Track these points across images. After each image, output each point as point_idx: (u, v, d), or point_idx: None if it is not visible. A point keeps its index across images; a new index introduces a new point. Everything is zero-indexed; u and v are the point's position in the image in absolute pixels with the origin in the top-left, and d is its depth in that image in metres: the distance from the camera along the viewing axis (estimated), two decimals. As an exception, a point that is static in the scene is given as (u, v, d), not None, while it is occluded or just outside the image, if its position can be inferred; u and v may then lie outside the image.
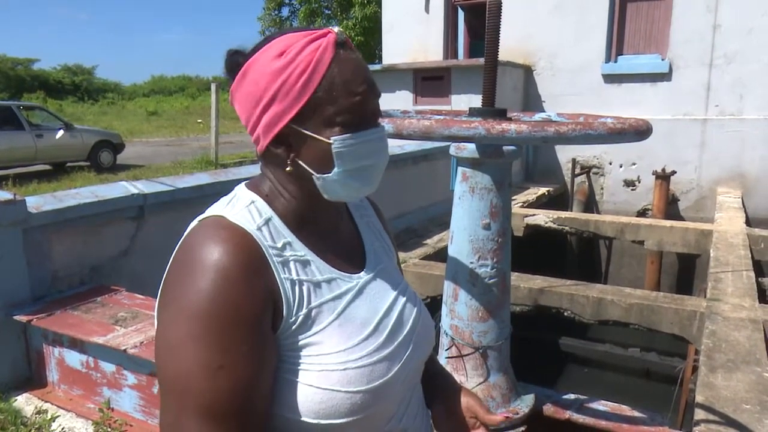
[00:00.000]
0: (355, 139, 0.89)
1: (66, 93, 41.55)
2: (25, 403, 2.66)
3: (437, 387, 1.16)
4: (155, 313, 0.85)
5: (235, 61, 0.92)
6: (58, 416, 2.56)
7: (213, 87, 13.00)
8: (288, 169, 0.91)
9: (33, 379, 2.83)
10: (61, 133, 13.83)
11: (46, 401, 2.67)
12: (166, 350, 0.80)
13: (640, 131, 1.62)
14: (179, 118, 31.55)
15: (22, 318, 2.72)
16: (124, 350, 2.40)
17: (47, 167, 14.07)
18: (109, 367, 2.55)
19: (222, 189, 3.72)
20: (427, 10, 10.41)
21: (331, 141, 0.88)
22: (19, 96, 32.83)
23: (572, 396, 2.58)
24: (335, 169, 0.90)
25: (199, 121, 28.09)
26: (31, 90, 37.11)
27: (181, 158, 14.61)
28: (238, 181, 3.40)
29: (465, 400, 1.11)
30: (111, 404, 2.56)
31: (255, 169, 4.44)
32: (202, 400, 0.77)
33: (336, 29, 0.90)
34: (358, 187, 0.94)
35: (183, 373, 0.77)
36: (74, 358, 2.65)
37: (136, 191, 3.33)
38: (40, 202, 2.93)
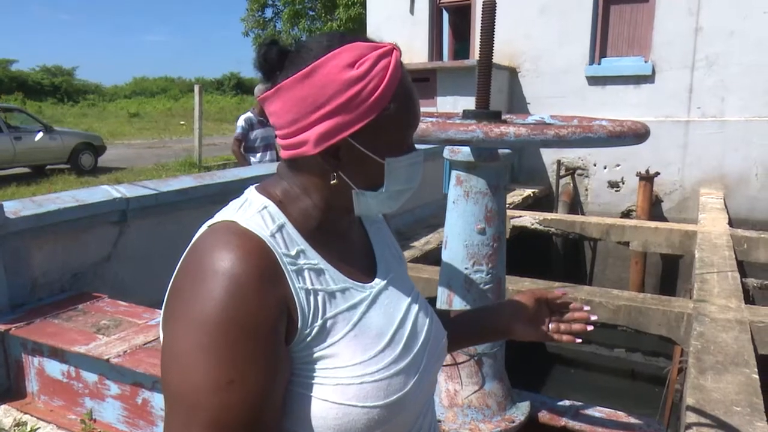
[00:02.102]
0: (405, 162, 0.91)
1: (45, 94, 41.02)
2: (4, 415, 2.59)
3: (484, 317, 1.27)
4: (160, 321, 0.82)
5: (274, 53, 0.87)
6: (38, 428, 2.49)
7: (196, 89, 12.92)
8: (334, 182, 0.89)
9: (12, 390, 2.75)
10: (40, 135, 13.64)
11: (25, 413, 2.59)
12: (174, 361, 0.76)
13: (639, 134, 1.60)
14: (161, 120, 31.33)
15: (0, 327, 2.64)
16: (107, 359, 2.34)
17: (26, 170, 13.89)
18: (91, 377, 2.48)
19: (207, 192, 3.69)
20: (411, 11, 10.39)
21: (385, 161, 0.88)
22: (-4, 98, 32.37)
23: (567, 402, 2.55)
24: (382, 189, 0.90)
25: (182, 122, 27.94)
26: (9, 91, 36.55)
27: (164, 161, 14.52)
28: (223, 184, 3.34)
29: (525, 295, 1.21)
30: (93, 415, 2.50)
31: (240, 172, 4.38)
32: (212, 415, 0.73)
33: (397, 46, 0.88)
34: (390, 206, 0.95)
35: (192, 387, 0.73)
36: (55, 368, 2.58)
37: (118, 195, 3.26)
38: (18, 207, 2.85)
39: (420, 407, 0.96)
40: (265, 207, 0.88)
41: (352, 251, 0.98)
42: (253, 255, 0.79)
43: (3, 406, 2.64)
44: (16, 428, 2.48)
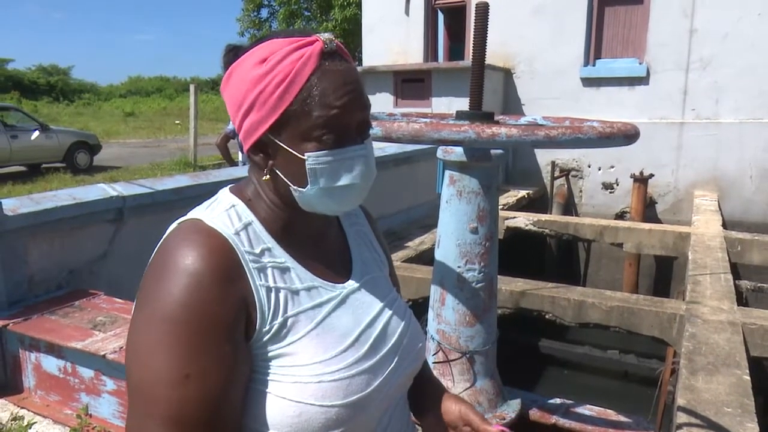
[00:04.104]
0: (331, 157, 0.86)
1: (41, 93, 40.88)
2: (1, 409, 2.60)
3: (427, 395, 1.12)
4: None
5: (231, 58, 0.90)
6: (35, 423, 2.50)
7: (192, 88, 12.92)
8: (265, 178, 0.89)
9: (9, 385, 2.76)
10: (36, 134, 13.63)
11: (22, 407, 2.60)
12: (135, 355, 0.78)
13: (628, 135, 1.62)
14: (156, 119, 31.27)
15: (-2, 323, 2.65)
16: (103, 355, 2.35)
17: (22, 169, 13.87)
18: (87, 373, 2.49)
19: (202, 191, 3.70)
20: (407, 12, 10.40)
21: (305, 157, 0.85)
22: (-8, 97, 32.28)
23: (558, 401, 2.58)
24: (308, 186, 0.87)
25: (177, 122, 27.92)
26: (5, 90, 36.43)
27: (159, 160, 14.52)
28: (218, 183, 3.37)
29: (458, 408, 1.06)
30: (89, 410, 2.51)
31: (235, 171, 4.39)
32: (168, 409, 0.74)
33: (324, 36, 0.86)
34: (334, 204, 0.91)
35: (150, 380, 0.75)
36: (51, 364, 2.59)
37: (114, 194, 3.27)
38: (16, 204, 2.86)
39: (386, 409, 0.95)
40: (233, 206, 0.90)
41: (326, 251, 0.98)
42: (215, 253, 0.81)
43: (0, 401, 2.65)
44: (12, 422, 2.49)
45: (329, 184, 0.87)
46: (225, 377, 0.77)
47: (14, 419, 2.51)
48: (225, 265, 0.81)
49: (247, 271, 0.83)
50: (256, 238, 0.87)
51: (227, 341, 0.78)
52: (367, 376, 0.88)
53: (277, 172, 0.88)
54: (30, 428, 2.46)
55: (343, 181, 0.88)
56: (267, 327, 0.83)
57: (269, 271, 0.86)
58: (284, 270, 0.88)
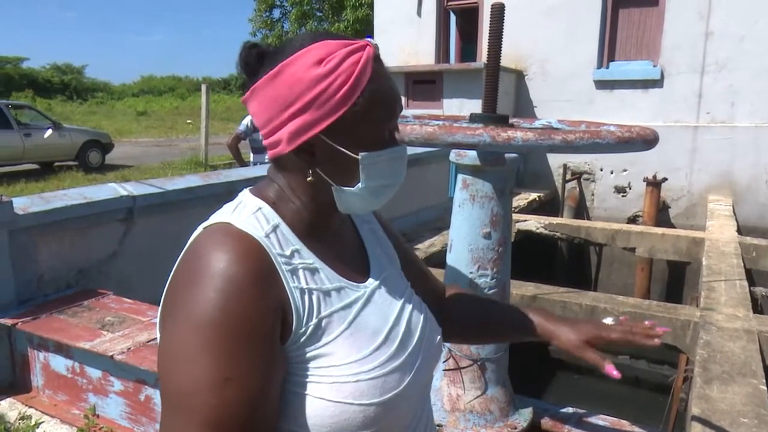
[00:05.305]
0: (383, 157, 0.90)
1: (55, 92, 41.24)
2: (9, 408, 2.60)
3: (518, 315, 1.21)
4: (157, 322, 0.83)
5: (253, 55, 0.89)
6: (43, 422, 2.50)
7: (203, 88, 12.97)
8: (309, 179, 0.89)
9: (17, 384, 2.76)
10: (49, 132, 13.73)
11: (30, 407, 2.60)
12: (172, 362, 0.77)
13: (647, 140, 1.59)
14: (168, 119, 31.43)
15: (7, 321, 2.66)
16: (111, 356, 2.35)
17: (35, 167, 13.97)
18: (95, 373, 2.49)
19: (213, 191, 3.70)
20: (419, 13, 10.38)
21: (359, 156, 0.87)
22: (7, 95, 32.52)
23: (570, 409, 2.54)
24: (359, 185, 0.89)
25: (189, 121, 28.05)
26: (19, 89, 36.77)
27: (171, 159, 14.60)
28: (229, 184, 3.35)
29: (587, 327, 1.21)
30: (96, 411, 2.51)
31: (246, 172, 4.38)
32: (209, 414, 0.74)
33: (372, 42, 0.88)
34: (374, 203, 0.94)
35: (190, 386, 0.74)
36: (60, 363, 2.59)
37: (125, 193, 3.27)
38: (27, 203, 2.87)
39: (416, 406, 0.96)
40: (260, 209, 0.89)
41: (345, 251, 0.99)
42: (249, 256, 0.81)
43: (8, 400, 2.66)
44: (20, 422, 2.49)
45: (377, 182, 0.90)
46: (264, 379, 0.77)
47: (22, 418, 2.51)
48: (260, 268, 0.81)
49: (280, 273, 0.83)
50: (285, 240, 0.87)
51: (265, 344, 0.78)
52: (400, 373, 0.89)
53: (320, 173, 0.89)
54: (37, 428, 2.46)
55: (388, 180, 0.92)
56: (303, 329, 0.83)
57: (300, 273, 0.86)
58: (314, 271, 0.88)
